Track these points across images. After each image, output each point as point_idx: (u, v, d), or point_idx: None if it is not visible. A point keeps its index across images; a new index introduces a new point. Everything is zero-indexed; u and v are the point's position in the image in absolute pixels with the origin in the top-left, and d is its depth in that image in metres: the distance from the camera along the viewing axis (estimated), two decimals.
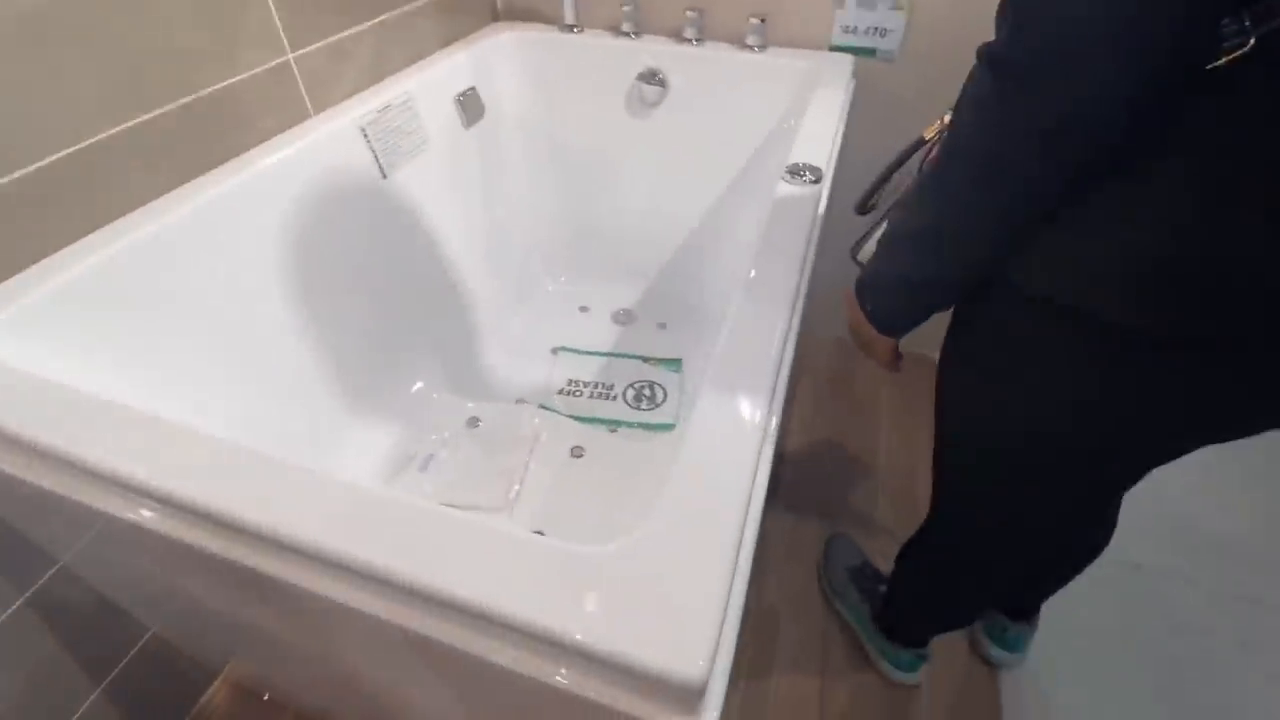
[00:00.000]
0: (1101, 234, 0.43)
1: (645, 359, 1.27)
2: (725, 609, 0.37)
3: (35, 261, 0.65)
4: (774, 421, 0.51)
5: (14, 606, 0.67)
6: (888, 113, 1.18)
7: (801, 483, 1.26)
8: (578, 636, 0.35)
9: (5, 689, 0.69)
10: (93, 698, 0.78)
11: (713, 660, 0.35)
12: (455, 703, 0.50)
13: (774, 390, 0.51)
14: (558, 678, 0.37)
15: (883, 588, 0.98)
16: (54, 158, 0.65)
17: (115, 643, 0.80)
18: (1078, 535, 0.83)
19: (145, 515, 0.46)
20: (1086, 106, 0.39)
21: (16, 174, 0.62)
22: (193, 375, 0.76)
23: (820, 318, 1.55)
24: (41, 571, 0.69)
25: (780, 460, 1.29)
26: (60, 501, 0.48)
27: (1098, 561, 1.06)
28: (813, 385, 1.45)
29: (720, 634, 0.36)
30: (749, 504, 0.43)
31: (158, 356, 0.73)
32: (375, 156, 0.99)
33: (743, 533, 0.41)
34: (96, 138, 0.68)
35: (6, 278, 0.63)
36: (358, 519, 0.41)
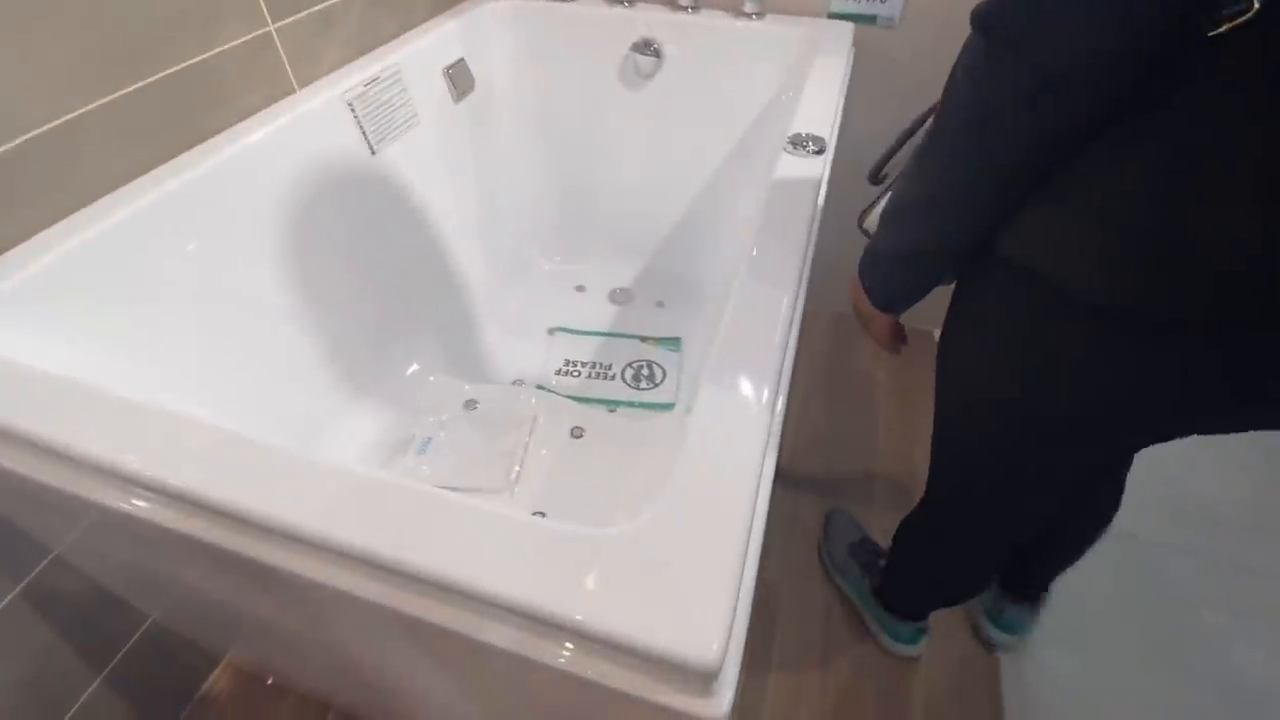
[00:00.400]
0: (1090, 206, 0.42)
1: (643, 338, 1.26)
2: (738, 591, 0.36)
3: (10, 248, 0.63)
4: (780, 402, 0.50)
5: (8, 598, 0.66)
6: (889, 81, 1.16)
7: (801, 458, 1.26)
8: (590, 621, 0.34)
9: (3, 681, 0.68)
10: (94, 687, 0.78)
11: (726, 643, 0.34)
12: (463, 689, 0.50)
13: (780, 371, 0.50)
14: (568, 663, 0.36)
15: (882, 562, 0.98)
16: (25, 138, 0.62)
17: (115, 631, 0.79)
18: (1084, 511, 0.83)
19: (138, 505, 0.44)
20: (1076, 65, 0.38)
21: None
22: (181, 361, 0.74)
23: (819, 293, 1.54)
24: (35, 562, 0.68)
25: (781, 437, 1.29)
26: (49, 492, 0.47)
27: None
28: (811, 361, 1.44)
29: (733, 616, 0.35)
30: (758, 486, 0.42)
31: (144, 342, 0.71)
32: (363, 133, 0.96)
33: (753, 515, 0.40)
34: (69, 116, 0.65)
35: None
36: (357, 505, 0.40)
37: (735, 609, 0.36)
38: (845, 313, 1.55)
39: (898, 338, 0.67)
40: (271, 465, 0.43)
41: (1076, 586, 1.07)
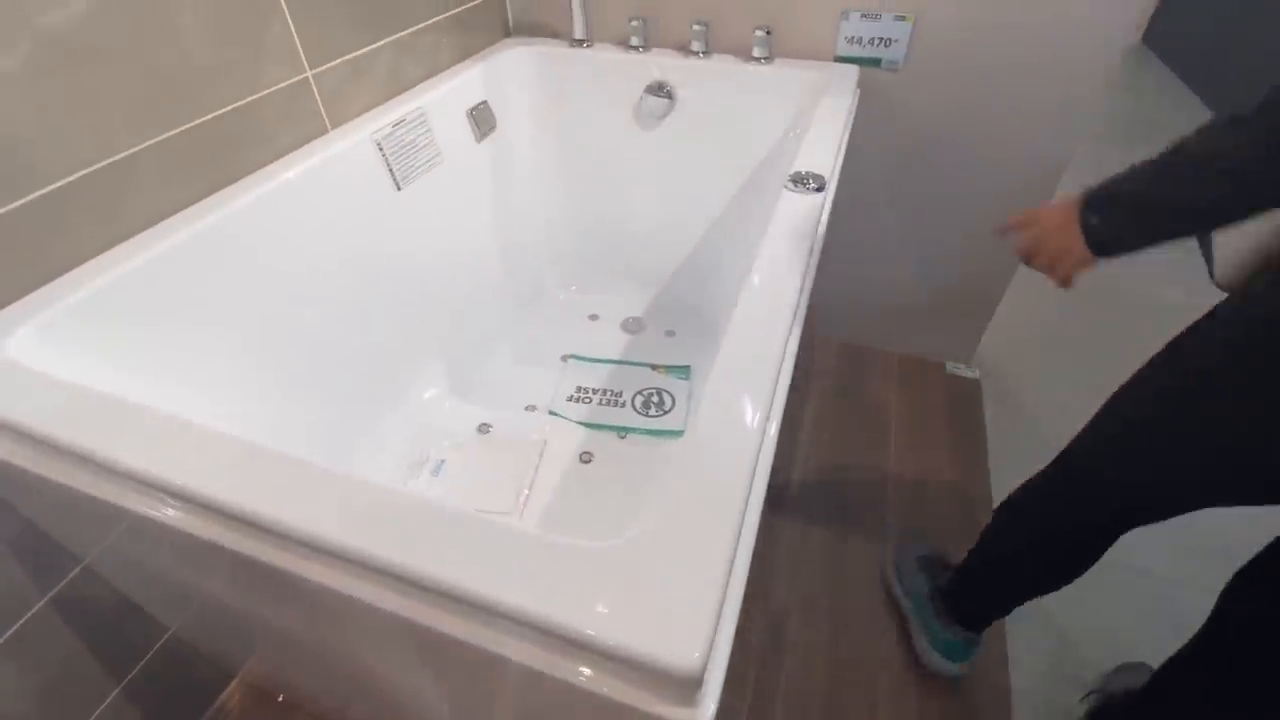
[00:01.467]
0: None
1: (654, 366, 1.29)
2: (721, 602, 0.38)
3: (66, 271, 0.68)
4: (774, 426, 0.52)
5: (37, 606, 0.70)
6: (893, 119, 1.20)
7: (811, 488, 1.26)
8: (577, 628, 0.36)
9: (28, 687, 0.71)
10: (112, 697, 0.80)
11: (708, 651, 0.36)
12: (459, 696, 0.52)
13: (773, 394, 0.52)
14: (558, 669, 0.38)
15: (948, 573, 0.98)
16: (84, 172, 0.68)
17: (135, 643, 0.82)
18: None
19: (169, 513, 0.47)
20: None
21: (49, 188, 0.65)
22: (214, 380, 0.79)
23: (830, 323, 1.56)
24: (65, 571, 0.71)
25: (790, 465, 1.30)
26: (87, 500, 0.50)
27: (1106, 568, 1.04)
28: (822, 391, 1.45)
29: (716, 626, 0.37)
30: (746, 501, 0.44)
31: (181, 362, 0.75)
32: (390, 170, 1.02)
33: (740, 529, 0.42)
34: (124, 153, 0.71)
35: (38, 287, 0.66)
36: (361, 513, 0.43)
37: (719, 618, 0.37)
38: (856, 343, 1.57)
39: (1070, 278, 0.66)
40: (296, 477, 0.46)
41: (1090, 623, 1.05)
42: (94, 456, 0.49)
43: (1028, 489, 0.85)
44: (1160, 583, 1.11)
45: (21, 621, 0.69)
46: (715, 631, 0.37)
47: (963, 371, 1.50)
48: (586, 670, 0.37)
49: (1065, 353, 1.59)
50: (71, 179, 0.67)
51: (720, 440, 0.47)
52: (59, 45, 0.63)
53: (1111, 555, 1.14)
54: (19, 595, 0.68)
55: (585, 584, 0.38)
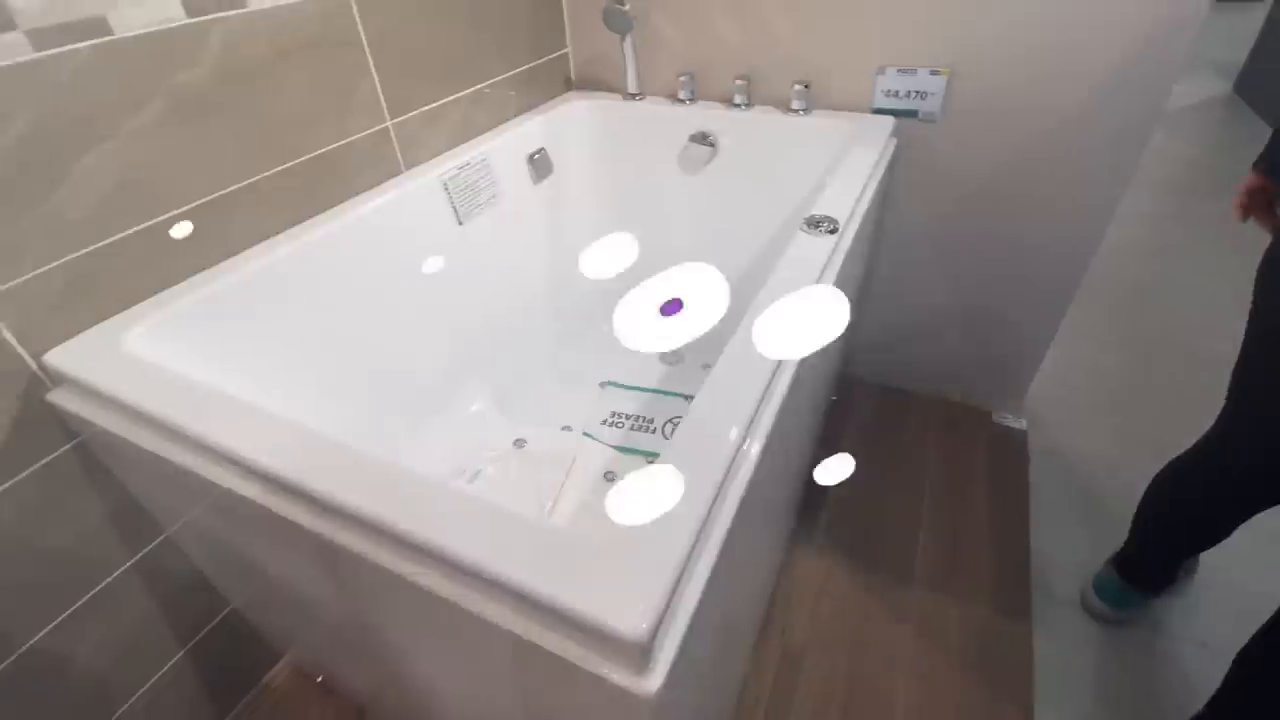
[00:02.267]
0: None
1: (688, 397, 1.34)
2: (675, 582, 0.42)
3: (177, 282, 0.81)
4: (755, 446, 0.55)
5: (124, 567, 0.81)
6: (934, 169, 1.23)
7: (838, 530, 1.26)
8: (549, 595, 0.42)
9: (107, 641, 0.82)
10: (177, 658, 0.90)
11: (658, 622, 0.40)
12: (470, 671, 0.57)
13: (755, 411, 0.56)
14: (529, 633, 0.43)
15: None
16: (198, 202, 0.81)
17: (199, 613, 0.93)
18: None
19: (248, 489, 0.55)
20: None
21: (168, 214, 0.79)
22: (293, 378, 0.90)
23: (868, 365, 1.56)
24: (150, 539, 0.83)
25: (819, 507, 1.30)
26: (180, 472, 0.59)
27: (1160, 639, 1.00)
28: (859, 433, 1.45)
29: (669, 601, 0.41)
30: (712, 505, 0.48)
31: (267, 360, 0.87)
32: (453, 206, 1.14)
33: (701, 527, 0.46)
34: (231, 188, 0.85)
35: (154, 293, 0.79)
36: (404, 495, 0.50)
37: (672, 594, 0.42)
38: (897, 386, 1.56)
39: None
40: (358, 465, 0.53)
41: (1145, 694, 1.00)
42: (190, 434, 0.58)
43: (1183, 457, 0.94)
44: (1217, 655, 1.04)
45: (108, 580, 0.80)
46: (667, 607, 0.41)
47: (1010, 421, 1.46)
48: (552, 635, 0.43)
49: (1115, 405, 1.52)
50: (187, 208, 0.80)
51: (695, 448, 0.52)
52: (186, 101, 0.78)
53: (1163, 621, 1.08)
54: (108, 556, 0.80)
55: (560, 558, 0.44)
